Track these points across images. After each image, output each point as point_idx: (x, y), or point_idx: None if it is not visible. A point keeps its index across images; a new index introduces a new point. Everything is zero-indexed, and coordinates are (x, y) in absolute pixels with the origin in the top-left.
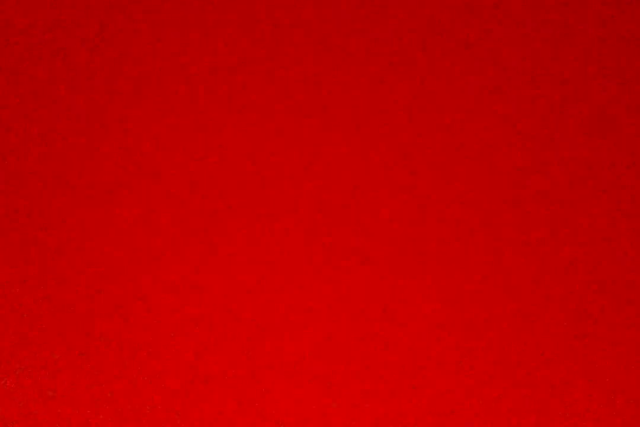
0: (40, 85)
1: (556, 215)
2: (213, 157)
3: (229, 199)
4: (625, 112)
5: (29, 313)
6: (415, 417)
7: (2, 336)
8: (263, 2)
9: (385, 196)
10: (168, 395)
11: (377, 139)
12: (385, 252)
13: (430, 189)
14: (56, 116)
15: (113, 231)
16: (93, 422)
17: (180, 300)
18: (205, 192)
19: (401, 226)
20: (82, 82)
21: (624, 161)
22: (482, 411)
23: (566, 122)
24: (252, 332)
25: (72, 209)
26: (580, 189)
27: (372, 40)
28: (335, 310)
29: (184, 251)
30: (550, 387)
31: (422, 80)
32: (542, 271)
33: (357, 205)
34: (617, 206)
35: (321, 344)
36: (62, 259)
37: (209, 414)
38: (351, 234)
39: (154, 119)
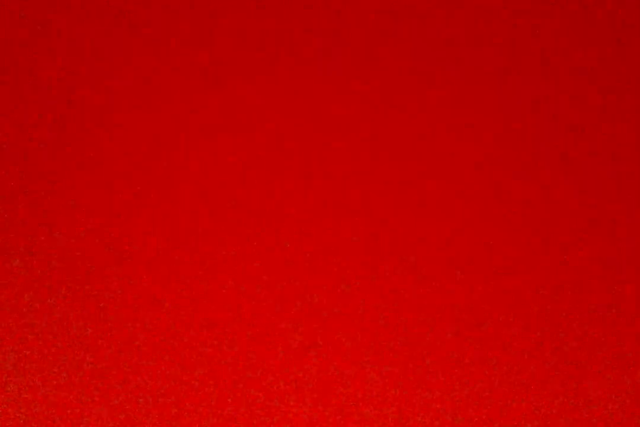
0: (43, 87)
1: (556, 217)
2: (213, 158)
3: (229, 199)
4: (625, 125)
5: (30, 315)
6: (416, 420)
7: (3, 337)
8: (264, 4)
9: (384, 198)
10: (167, 396)
11: (377, 140)
12: (384, 254)
13: (431, 191)
14: (58, 117)
15: (112, 233)
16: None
17: (180, 301)
18: (205, 194)
19: (400, 228)
20: (82, 84)
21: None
22: (481, 413)
23: (565, 127)
24: (252, 335)
25: (72, 210)
26: (577, 193)
27: (371, 43)
28: (335, 312)
29: (184, 253)
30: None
31: (423, 82)
32: (543, 274)
33: (356, 208)
34: (616, 211)
35: (320, 346)
36: (62, 260)
37: (208, 416)
38: (351, 237)
39: (156, 120)
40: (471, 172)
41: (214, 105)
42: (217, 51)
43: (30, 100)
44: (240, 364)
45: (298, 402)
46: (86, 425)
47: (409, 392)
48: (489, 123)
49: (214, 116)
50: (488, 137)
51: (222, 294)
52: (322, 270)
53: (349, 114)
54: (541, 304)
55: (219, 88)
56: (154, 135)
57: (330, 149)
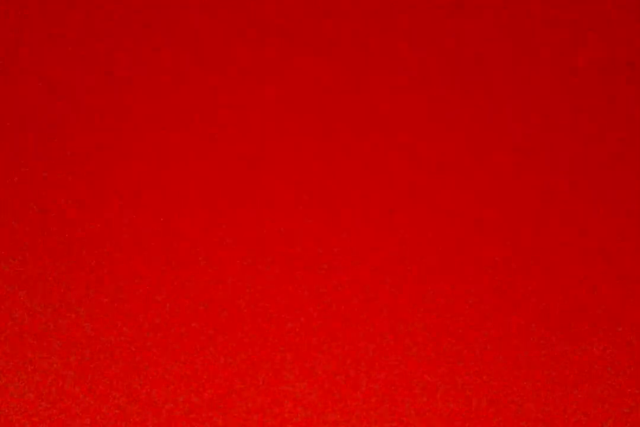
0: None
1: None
2: (213, 157)
3: (228, 197)
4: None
5: (30, 316)
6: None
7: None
8: (265, 7)
9: (385, 199)
10: (167, 396)
11: (377, 141)
12: (385, 254)
13: (430, 192)
14: (59, 114)
15: (110, 234)
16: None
17: (181, 301)
18: (205, 194)
19: (400, 230)
20: (81, 82)
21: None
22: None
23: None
24: (252, 334)
25: (72, 211)
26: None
27: (371, 43)
28: (335, 313)
29: (184, 253)
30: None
31: (424, 83)
32: (543, 276)
33: (356, 210)
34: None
35: (318, 350)
36: (62, 261)
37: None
38: (353, 238)
39: (155, 117)
40: (470, 173)
41: (214, 105)
42: (216, 51)
43: (30, 101)
44: (240, 363)
45: (297, 403)
46: (85, 425)
47: (410, 394)
48: (488, 122)
49: (214, 115)
50: (488, 137)
51: (222, 293)
52: (322, 270)
53: (350, 113)
54: (543, 307)
55: (217, 88)
56: (154, 134)
57: (331, 148)
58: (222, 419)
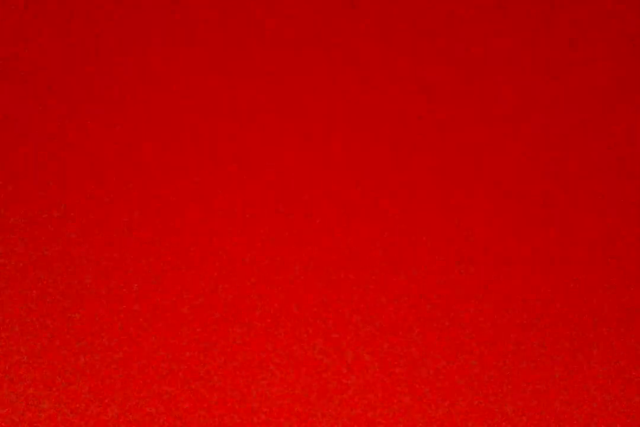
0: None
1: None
2: (213, 159)
3: (228, 199)
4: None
5: (31, 317)
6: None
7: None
8: (265, 8)
9: (383, 199)
10: (165, 399)
11: (379, 144)
12: (383, 254)
13: (429, 195)
14: (58, 112)
15: (111, 237)
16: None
17: (182, 304)
18: (205, 196)
19: (400, 231)
20: (80, 83)
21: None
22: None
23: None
24: (251, 336)
25: (72, 213)
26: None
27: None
28: (333, 314)
29: (184, 255)
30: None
31: (422, 83)
32: (542, 278)
33: (354, 211)
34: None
35: (320, 348)
36: (62, 260)
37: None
38: (348, 239)
39: (155, 119)
40: (470, 174)
41: (214, 107)
42: (217, 52)
43: (29, 102)
44: (239, 364)
45: (297, 403)
46: (85, 425)
47: (409, 395)
48: (488, 123)
49: (215, 117)
50: (487, 138)
51: (221, 293)
52: (320, 270)
53: (351, 114)
54: (542, 307)
55: (218, 88)
56: (154, 134)
57: (332, 150)
58: (222, 418)
